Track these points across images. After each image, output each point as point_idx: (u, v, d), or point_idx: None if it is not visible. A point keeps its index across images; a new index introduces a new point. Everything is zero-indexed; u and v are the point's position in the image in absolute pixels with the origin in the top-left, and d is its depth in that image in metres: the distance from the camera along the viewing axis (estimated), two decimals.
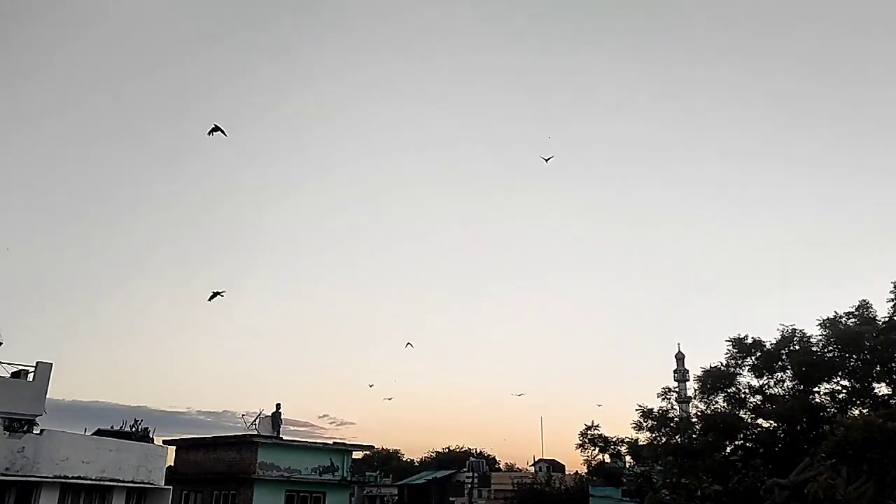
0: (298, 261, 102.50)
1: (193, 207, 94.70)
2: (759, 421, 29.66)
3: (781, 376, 29.63)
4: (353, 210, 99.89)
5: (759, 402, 29.76)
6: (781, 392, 29.34)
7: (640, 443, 33.20)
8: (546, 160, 30.60)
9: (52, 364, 20.59)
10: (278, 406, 32.58)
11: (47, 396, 20.57)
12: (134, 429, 26.19)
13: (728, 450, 29.58)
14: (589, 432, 36.53)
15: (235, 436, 32.12)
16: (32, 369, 20.46)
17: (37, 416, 20.31)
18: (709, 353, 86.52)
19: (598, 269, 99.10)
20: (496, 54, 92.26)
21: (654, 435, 32.03)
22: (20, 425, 19.74)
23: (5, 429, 19.15)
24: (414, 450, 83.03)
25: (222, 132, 22.00)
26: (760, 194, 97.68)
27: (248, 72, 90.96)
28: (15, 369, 20.59)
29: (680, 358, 58.11)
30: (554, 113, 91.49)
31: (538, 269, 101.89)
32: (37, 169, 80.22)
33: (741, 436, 29.57)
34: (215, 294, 25.91)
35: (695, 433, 30.62)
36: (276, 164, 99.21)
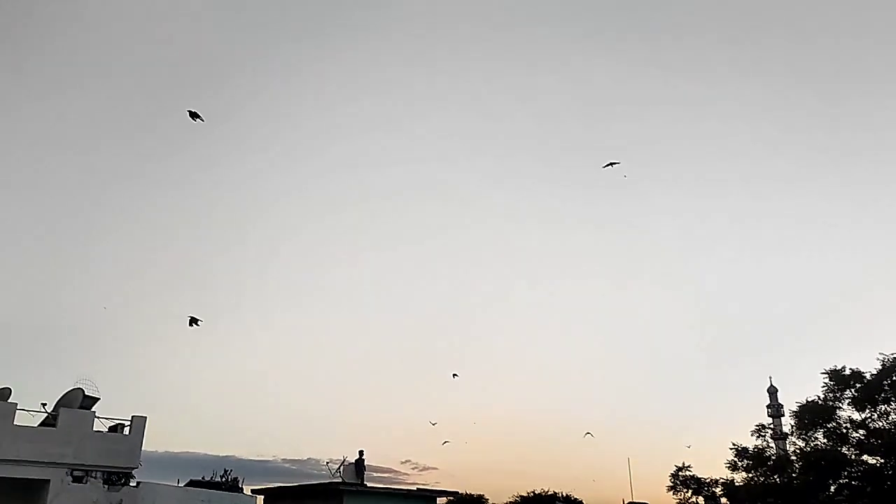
0: (376, 301, 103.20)
1: (259, 244, 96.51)
2: (864, 457, 27.99)
3: (885, 409, 27.96)
4: (414, 241, 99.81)
5: (862, 437, 28.10)
6: (886, 425, 27.65)
7: (737, 483, 31.81)
8: (612, 165, 30.59)
9: (146, 418, 21.36)
10: (361, 453, 32.73)
11: (142, 449, 21.30)
12: (224, 479, 26.79)
13: (832, 489, 27.98)
14: (680, 473, 35.21)
15: (321, 484, 32.33)
16: (128, 423, 21.25)
17: (133, 468, 20.99)
18: (803, 387, 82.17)
19: (681, 300, 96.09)
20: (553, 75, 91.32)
21: (750, 475, 30.67)
22: (118, 478, 20.45)
23: (104, 482, 19.90)
24: (499, 494, 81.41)
25: (199, 118, 22.22)
26: (851, 218, 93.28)
27: (260, 89, 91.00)
28: (112, 424, 21.43)
29: (772, 392, 55.61)
30: (611, 133, 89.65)
31: (621, 302, 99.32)
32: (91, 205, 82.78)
33: (845, 473, 27.93)
34: (193, 321, 25.57)
35: (794, 472, 29.13)
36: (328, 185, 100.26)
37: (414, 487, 34.98)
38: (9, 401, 19.66)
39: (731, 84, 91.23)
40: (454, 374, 41.18)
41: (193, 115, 22.19)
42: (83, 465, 19.80)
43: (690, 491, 35.19)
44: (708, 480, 34.47)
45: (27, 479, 18.83)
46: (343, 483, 30.77)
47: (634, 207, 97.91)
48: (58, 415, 19.99)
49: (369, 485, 32.23)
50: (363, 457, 32.57)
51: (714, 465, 56.43)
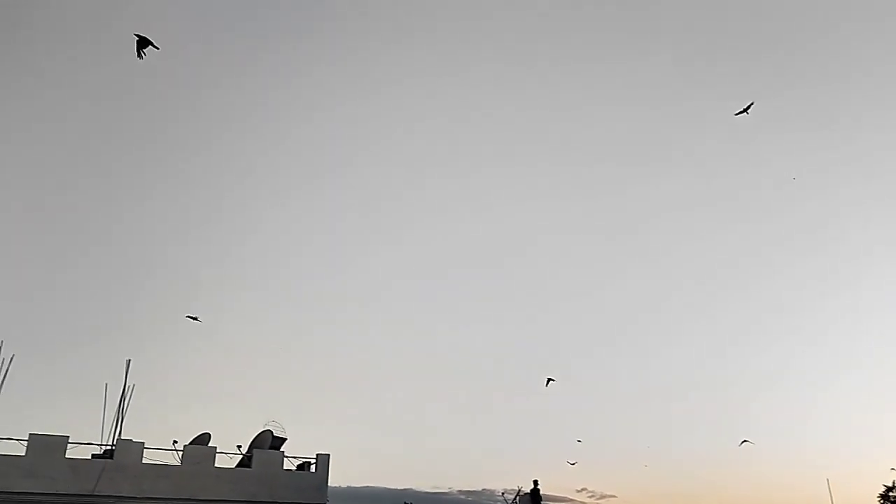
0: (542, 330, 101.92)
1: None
2: None
3: None
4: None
5: None
6: None
7: None
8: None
9: (329, 455, 22.42)
10: (536, 482, 32.29)
11: (328, 485, 22.32)
12: None
13: None
14: (891, 494, 31.85)
15: None
16: (314, 461, 22.40)
17: None
18: None
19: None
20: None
21: None
22: None
23: None
24: None
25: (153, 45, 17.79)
26: None
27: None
28: (300, 462, 22.65)
29: None
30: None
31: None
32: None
33: None
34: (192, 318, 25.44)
35: None
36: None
37: None
38: (209, 445, 21.38)
39: None
40: (549, 379, 39.19)
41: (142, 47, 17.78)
42: (277, 502, 21.03)
43: None
44: None
45: None
46: None
47: None
48: (252, 456, 21.46)
49: None
50: (538, 486, 32.18)
51: None
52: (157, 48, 17.97)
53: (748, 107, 27.41)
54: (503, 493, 32.63)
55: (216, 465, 20.63)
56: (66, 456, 19.07)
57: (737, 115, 27.52)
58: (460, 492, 79.89)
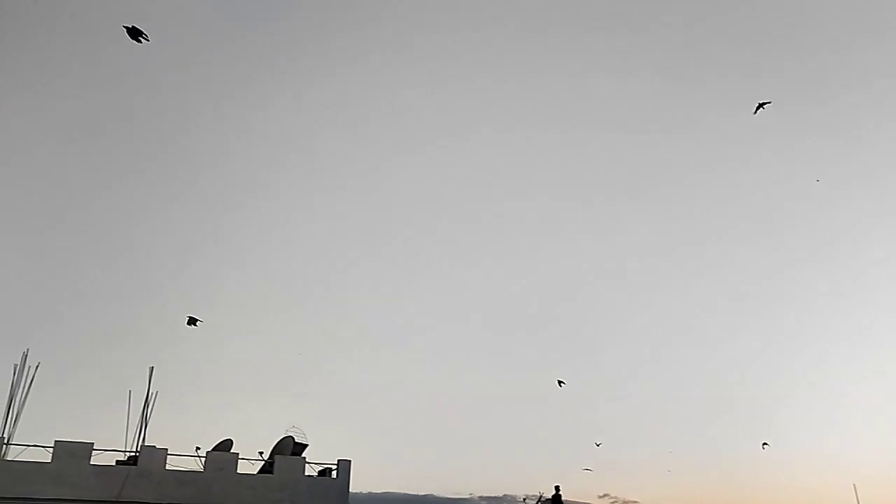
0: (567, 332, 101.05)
1: None
2: None
3: None
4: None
5: None
6: None
7: None
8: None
9: (350, 461, 22.41)
10: (557, 488, 32.06)
11: (350, 491, 22.34)
12: None
13: None
14: None
15: None
16: (335, 467, 22.43)
17: None
18: None
19: None
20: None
21: None
22: None
23: None
24: None
25: (144, 37, 18.40)
26: None
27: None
28: (321, 468, 22.69)
29: None
30: None
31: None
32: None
33: None
34: (193, 321, 25.42)
35: None
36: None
37: None
38: (231, 451, 21.51)
39: None
40: (560, 382, 38.29)
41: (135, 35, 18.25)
42: None
43: None
44: None
45: None
46: None
47: None
48: (274, 462, 21.54)
49: None
50: (560, 492, 31.97)
51: None
52: (148, 40, 18.51)
53: (764, 104, 27.12)
54: (525, 499, 32.43)
55: (238, 471, 20.75)
56: (91, 462, 19.27)
57: (755, 113, 27.30)
58: (481, 497, 79.39)
